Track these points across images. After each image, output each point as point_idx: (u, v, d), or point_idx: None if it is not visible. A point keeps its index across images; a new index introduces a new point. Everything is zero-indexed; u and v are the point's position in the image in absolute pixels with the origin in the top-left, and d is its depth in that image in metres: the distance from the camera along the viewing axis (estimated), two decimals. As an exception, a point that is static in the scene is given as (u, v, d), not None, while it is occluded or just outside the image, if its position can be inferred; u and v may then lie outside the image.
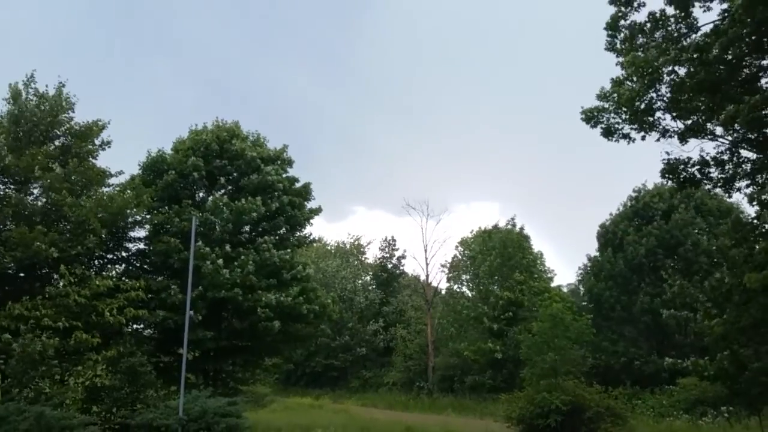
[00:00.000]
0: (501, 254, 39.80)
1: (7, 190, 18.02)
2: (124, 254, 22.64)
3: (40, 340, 15.76)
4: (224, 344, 22.81)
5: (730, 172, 14.96)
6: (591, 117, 15.79)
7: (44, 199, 18.25)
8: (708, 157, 15.22)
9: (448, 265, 47.18)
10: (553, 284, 43.60)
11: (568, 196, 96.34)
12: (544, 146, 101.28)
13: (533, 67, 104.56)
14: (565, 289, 45.21)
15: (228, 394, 20.90)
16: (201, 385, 21.34)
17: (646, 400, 29.27)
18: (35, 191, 18.74)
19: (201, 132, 24.65)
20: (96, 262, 20.98)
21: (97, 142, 20.42)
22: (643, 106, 14.80)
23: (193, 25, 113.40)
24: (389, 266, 56.63)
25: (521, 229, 42.44)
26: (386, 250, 57.24)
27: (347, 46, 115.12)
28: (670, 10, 13.82)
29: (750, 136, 14.29)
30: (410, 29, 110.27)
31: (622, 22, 14.45)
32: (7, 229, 17.42)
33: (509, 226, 42.67)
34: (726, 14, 12.95)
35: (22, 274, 18.79)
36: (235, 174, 24.38)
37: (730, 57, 13.15)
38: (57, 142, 19.49)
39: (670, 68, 14.02)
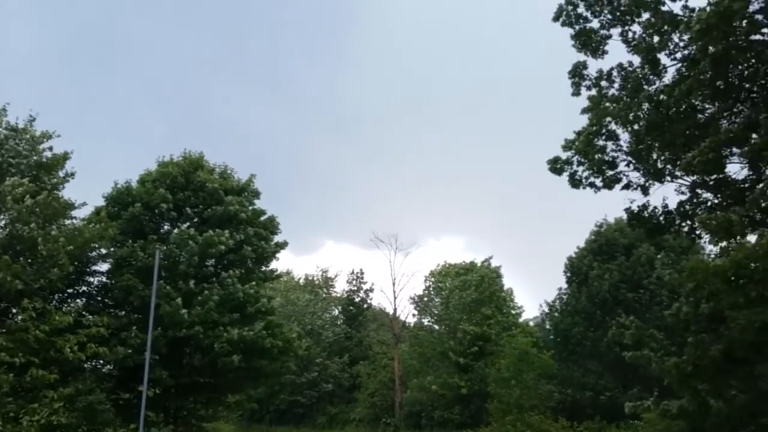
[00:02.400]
0: (477, 290, 40.08)
1: None
2: (85, 288, 22.13)
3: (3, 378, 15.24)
4: (185, 381, 22.30)
5: (692, 223, 15.30)
6: (555, 168, 16.11)
7: (7, 231, 17.72)
8: (671, 208, 15.60)
9: (416, 298, 47.12)
10: (521, 319, 43.82)
11: (536, 229, 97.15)
12: (512, 181, 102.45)
13: (502, 102, 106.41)
14: (531, 324, 45.42)
15: (189, 432, 20.39)
16: (161, 423, 20.78)
17: (612, 435, 29.32)
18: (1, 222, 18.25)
19: (167, 164, 24.38)
20: (56, 296, 20.44)
21: (61, 174, 20.10)
22: (607, 159, 15.18)
23: (160, 57, 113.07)
24: (357, 300, 56.25)
25: (498, 268, 43.05)
26: (354, 283, 56.93)
27: (315, 79, 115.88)
28: (635, 59, 14.31)
29: (707, 179, 14.69)
30: (378, 61, 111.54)
31: (585, 71, 14.88)
32: None
33: (486, 264, 43.22)
34: (685, 60, 13.45)
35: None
36: (200, 206, 24.12)
37: (688, 102, 13.62)
38: (27, 174, 19.11)
39: (634, 113, 14.41)
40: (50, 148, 19.79)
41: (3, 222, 18.03)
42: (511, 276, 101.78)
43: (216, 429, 27.47)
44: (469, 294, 40.05)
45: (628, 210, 15.88)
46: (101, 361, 21.27)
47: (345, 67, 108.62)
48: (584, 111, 15.16)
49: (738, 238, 12.94)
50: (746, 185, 14.02)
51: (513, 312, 43.50)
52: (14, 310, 18.10)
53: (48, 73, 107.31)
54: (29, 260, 17.73)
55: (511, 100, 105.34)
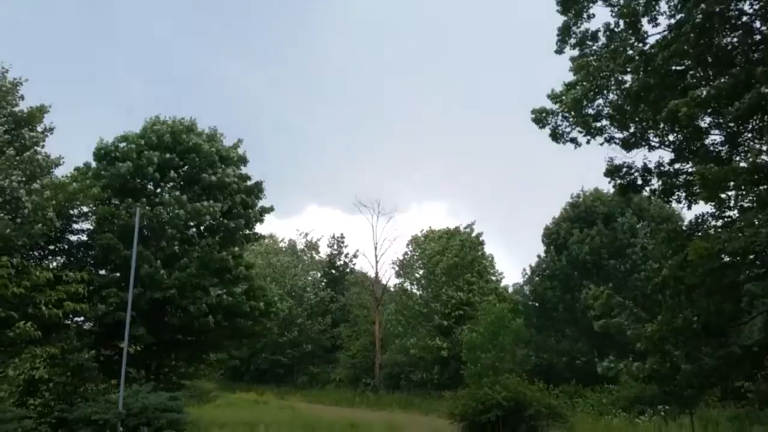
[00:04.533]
0: (458, 255, 40.48)
1: None
2: (65, 246, 21.95)
3: None
4: (166, 339, 22.42)
5: (669, 183, 15.53)
6: (540, 119, 16.17)
7: None
8: (651, 165, 15.78)
9: (398, 262, 47.49)
10: (501, 285, 44.40)
11: (517, 197, 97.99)
12: (494, 147, 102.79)
13: (486, 65, 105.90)
14: (511, 290, 46.04)
15: (171, 389, 20.57)
16: (142, 380, 20.93)
17: (586, 398, 30.03)
18: None
19: (156, 122, 24.09)
20: (35, 253, 20.27)
21: (39, 128, 19.66)
22: (591, 112, 15.26)
23: (143, 20, 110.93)
24: (338, 263, 56.61)
25: (479, 234, 43.38)
26: (334, 247, 57.23)
27: (297, 43, 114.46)
28: (621, 23, 14.33)
29: (688, 147, 14.87)
30: (360, 27, 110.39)
31: (574, 28, 14.86)
32: None
33: (468, 230, 43.51)
34: (671, 28, 13.49)
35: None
36: (186, 168, 23.88)
37: (672, 67, 13.70)
38: (2, 128, 18.67)
39: (617, 75, 14.50)
40: (22, 97, 19.24)
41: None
42: (494, 242, 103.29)
43: (197, 386, 27.74)
44: (450, 259, 40.46)
45: (608, 163, 16.03)
46: (81, 318, 21.27)
47: (327, 30, 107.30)
48: (574, 69, 15.15)
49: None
50: (723, 156, 14.24)
51: (493, 278, 44.02)
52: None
53: (29, 34, 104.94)
54: (11, 216, 17.46)
55: (496, 64, 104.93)
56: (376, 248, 46.80)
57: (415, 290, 45.64)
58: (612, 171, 16.06)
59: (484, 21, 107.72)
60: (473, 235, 43.38)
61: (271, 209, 26.02)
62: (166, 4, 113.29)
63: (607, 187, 25.65)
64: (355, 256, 56.79)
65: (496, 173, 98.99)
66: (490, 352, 25.13)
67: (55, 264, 20.33)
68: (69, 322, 19.79)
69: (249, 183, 25.32)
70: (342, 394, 40.10)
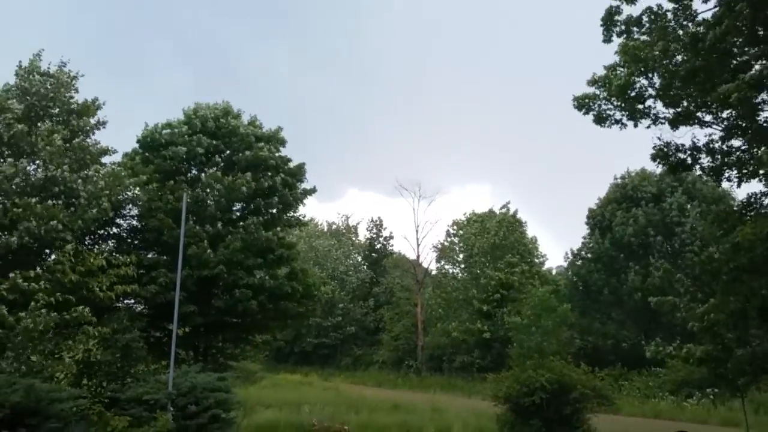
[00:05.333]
0: (496, 235, 40.34)
1: (16, 163, 17.66)
2: (115, 230, 22.60)
3: (45, 316, 15.75)
4: (213, 320, 22.94)
5: (719, 160, 15.08)
6: (583, 104, 15.85)
7: (43, 173, 17.95)
8: (700, 144, 15.34)
9: (439, 246, 47.45)
10: (545, 267, 44.04)
11: (561, 179, 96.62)
12: (537, 130, 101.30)
13: (528, 49, 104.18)
14: (554, 272, 45.61)
15: (218, 369, 21.01)
16: (191, 361, 21.45)
17: (632, 381, 29.68)
18: (34, 165, 18.50)
19: (198, 108, 24.60)
20: (88, 238, 20.91)
21: (92, 121, 20.25)
22: (634, 94, 14.88)
23: (190, 9, 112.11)
24: (377, 246, 56.86)
25: (515, 213, 43.15)
26: (373, 230, 57.46)
27: (341, 29, 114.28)
28: (668, 5, 13.90)
29: (740, 123, 14.39)
30: (404, 11, 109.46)
31: (617, 17, 14.48)
32: (13, 202, 17.10)
33: (503, 210, 43.33)
34: (722, 4, 13.01)
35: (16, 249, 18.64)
36: (227, 151, 24.38)
37: (724, 46, 13.23)
38: (57, 119, 19.29)
39: (662, 56, 14.08)
40: (76, 90, 19.82)
41: (37, 165, 18.25)
42: (538, 225, 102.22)
43: (243, 367, 28.33)
44: (488, 239, 40.35)
45: (655, 146, 15.66)
46: (132, 300, 21.89)
47: (369, 14, 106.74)
48: (619, 55, 14.80)
49: None
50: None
51: (537, 260, 43.70)
52: (47, 251, 18.54)
53: (75, 25, 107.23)
54: (67, 203, 18.03)
55: (539, 47, 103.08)
56: (417, 231, 46.85)
57: (456, 272, 45.62)
58: (659, 155, 15.68)
59: (526, 5, 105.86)
60: (510, 214, 43.18)
61: (313, 191, 26.22)
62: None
63: (652, 166, 25.22)
64: (391, 237, 56.97)
65: (539, 155, 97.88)
66: (534, 335, 24.93)
67: (105, 248, 20.92)
68: (120, 304, 20.41)
69: (290, 165, 25.57)
70: (385, 375, 40.44)
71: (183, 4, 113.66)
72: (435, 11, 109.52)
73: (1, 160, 17.68)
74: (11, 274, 16.20)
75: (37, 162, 18.07)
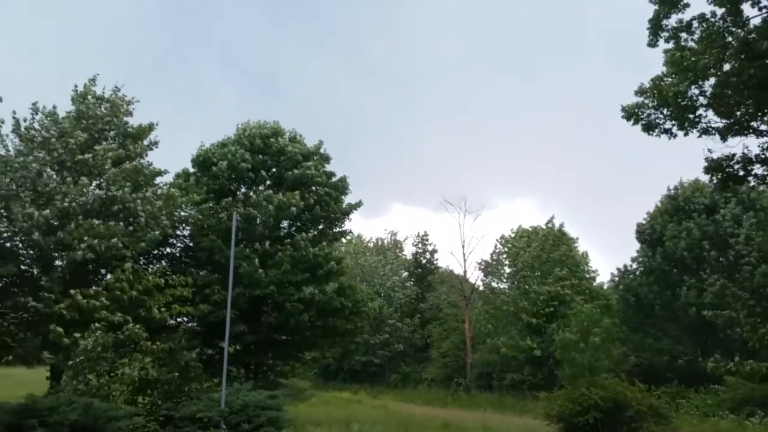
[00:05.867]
0: (541, 248, 39.90)
1: (79, 183, 18.40)
2: (169, 250, 23.25)
3: (103, 336, 16.28)
4: (264, 338, 23.26)
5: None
6: (631, 114, 15.64)
7: (104, 193, 18.63)
8: (751, 155, 14.94)
9: (484, 262, 47.08)
10: (595, 283, 43.20)
11: (609, 194, 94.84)
12: (584, 144, 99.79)
13: (573, 63, 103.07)
14: (606, 286, 44.71)
15: (269, 387, 21.24)
16: (242, 378, 21.75)
17: (690, 399, 28.74)
18: (92, 186, 19.23)
19: (247, 128, 25.30)
20: (142, 258, 21.52)
21: (145, 142, 21.03)
22: (684, 103, 14.60)
23: (233, 25, 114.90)
24: (423, 261, 56.67)
25: (561, 226, 42.64)
26: (419, 245, 57.31)
27: (385, 42, 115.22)
28: (718, 10, 13.62)
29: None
30: (447, 25, 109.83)
31: (665, 21, 14.27)
32: (77, 222, 17.77)
33: (549, 225, 42.86)
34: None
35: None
36: (274, 170, 24.89)
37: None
38: (114, 142, 20.11)
39: (715, 64, 13.78)
40: (131, 114, 20.60)
41: (94, 185, 18.95)
42: (587, 240, 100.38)
43: (293, 385, 28.50)
44: (533, 251, 39.95)
45: (707, 158, 15.30)
46: (185, 319, 22.39)
47: (411, 27, 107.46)
48: (667, 63, 14.55)
49: None
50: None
51: (587, 276, 42.95)
52: (103, 271, 19.19)
53: (125, 46, 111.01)
54: (126, 223, 18.67)
55: (585, 59, 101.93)
56: (463, 246, 46.63)
57: (503, 287, 45.15)
58: (712, 167, 15.33)
59: (570, 15, 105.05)
60: (556, 228, 42.70)
61: (358, 204, 26.46)
62: (252, 10, 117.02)
63: (704, 177, 24.32)
64: (435, 251, 56.73)
65: (587, 170, 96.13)
66: (584, 352, 24.43)
67: (160, 267, 21.50)
68: (174, 322, 20.91)
69: (334, 179, 25.88)
70: (434, 393, 40.10)
71: (226, 23, 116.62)
72: (479, 25, 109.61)
73: (61, 180, 18.47)
74: (72, 291, 16.83)
75: (96, 182, 18.80)
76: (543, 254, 40.00)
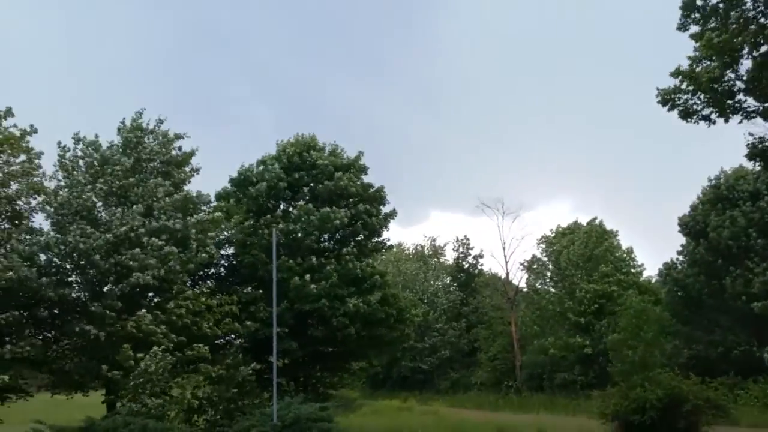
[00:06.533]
0: (585, 245, 39.45)
1: (131, 210, 19.10)
2: (213, 270, 23.77)
3: (163, 358, 16.76)
4: (311, 351, 23.49)
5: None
6: (667, 99, 15.32)
7: (160, 224, 19.31)
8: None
9: (527, 263, 46.61)
10: (642, 278, 42.43)
11: (648, 187, 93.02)
12: (618, 139, 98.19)
13: (606, 58, 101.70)
14: (654, 280, 43.86)
15: (319, 399, 21.44)
16: (292, 392, 21.99)
17: (749, 390, 27.96)
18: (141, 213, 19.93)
19: (284, 146, 25.85)
20: (189, 279, 22.04)
21: (187, 169, 21.78)
22: (722, 89, 14.28)
23: (266, 46, 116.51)
24: (466, 266, 56.32)
25: (600, 223, 42.15)
26: (460, 250, 56.99)
27: (417, 50, 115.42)
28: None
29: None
30: (482, 29, 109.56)
31: (698, 2, 14.02)
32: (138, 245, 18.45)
33: (591, 224, 42.49)
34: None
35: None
36: (311, 183, 25.20)
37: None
38: (160, 170, 20.91)
39: (751, 47, 13.49)
40: (179, 148, 21.51)
41: (144, 211, 19.56)
42: (629, 235, 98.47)
43: (342, 395, 28.64)
44: (576, 249, 39.49)
45: (748, 144, 14.91)
46: (233, 336, 22.78)
47: (444, 32, 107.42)
48: (701, 47, 14.24)
49: None
50: None
51: (633, 271, 42.25)
52: (150, 294, 19.78)
53: (160, 71, 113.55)
54: (179, 249, 19.35)
55: (616, 57, 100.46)
56: (504, 248, 46.21)
57: (548, 287, 44.65)
58: (755, 152, 14.93)
59: (597, 13, 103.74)
60: (597, 224, 42.25)
61: (393, 214, 26.67)
62: (275, 27, 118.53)
63: (749, 164, 23.50)
64: (480, 256, 56.30)
65: (623, 165, 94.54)
66: (636, 348, 23.99)
67: (208, 288, 22.02)
68: (223, 341, 21.34)
69: (371, 191, 26.07)
70: (484, 397, 39.79)
71: (256, 44, 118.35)
72: (513, 29, 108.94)
73: (113, 208, 19.19)
74: (138, 313, 17.49)
75: (145, 208, 19.51)
76: (587, 251, 39.51)
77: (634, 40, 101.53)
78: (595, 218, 43.18)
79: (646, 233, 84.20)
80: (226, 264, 23.96)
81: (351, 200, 25.08)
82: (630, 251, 43.24)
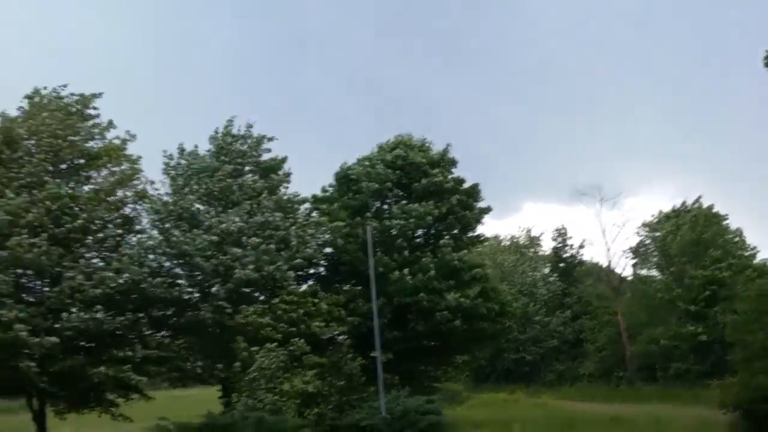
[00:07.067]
0: (692, 230, 37.48)
1: (230, 211, 20.05)
2: (312, 270, 24.47)
3: (278, 353, 17.51)
4: (413, 345, 23.69)
5: None
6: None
7: (264, 219, 20.20)
8: None
9: (633, 248, 44.79)
10: (756, 260, 39.77)
11: (753, 165, 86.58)
12: (718, 121, 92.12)
13: (703, 37, 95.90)
14: (769, 263, 41.07)
15: (424, 392, 21.56)
16: (397, 385, 22.24)
17: None
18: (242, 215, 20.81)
19: (388, 146, 26.38)
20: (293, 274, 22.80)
21: (279, 173, 22.63)
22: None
23: (358, 47, 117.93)
24: (565, 255, 54.87)
25: (710, 207, 39.83)
26: (558, 239, 55.57)
27: (506, 37, 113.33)
28: None
29: None
30: (572, 18, 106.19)
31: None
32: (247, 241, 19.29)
33: (696, 205, 40.28)
34: None
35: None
36: (405, 181, 25.42)
37: None
38: (253, 175, 21.86)
39: None
40: (269, 150, 22.37)
41: (245, 212, 20.39)
42: (738, 217, 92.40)
43: (447, 388, 28.69)
44: (685, 236, 37.53)
45: None
46: (337, 332, 23.30)
47: (532, 18, 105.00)
48: None
49: None
50: None
51: (745, 253, 39.78)
52: (255, 293, 20.62)
53: (251, 77, 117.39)
54: (278, 247, 20.11)
55: (713, 36, 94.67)
56: (604, 236, 44.59)
57: (654, 275, 42.78)
58: None
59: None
60: (704, 208, 39.93)
61: (488, 210, 26.61)
62: (361, 27, 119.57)
63: None
64: (581, 246, 54.62)
65: (724, 142, 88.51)
66: (757, 333, 22.58)
67: (310, 287, 22.68)
68: (328, 336, 21.89)
69: (465, 186, 25.98)
70: (594, 389, 38.70)
71: (344, 46, 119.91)
72: (602, 14, 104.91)
73: (214, 212, 20.15)
74: (249, 308, 18.32)
75: (247, 210, 20.39)
76: (694, 237, 37.50)
77: (727, 13, 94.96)
78: (700, 200, 40.84)
79: (756, 213, 78.72)
80: (326, 264, 24.58)
81: (444, 196, 25.12)
82: (740, 233, 40.77)
